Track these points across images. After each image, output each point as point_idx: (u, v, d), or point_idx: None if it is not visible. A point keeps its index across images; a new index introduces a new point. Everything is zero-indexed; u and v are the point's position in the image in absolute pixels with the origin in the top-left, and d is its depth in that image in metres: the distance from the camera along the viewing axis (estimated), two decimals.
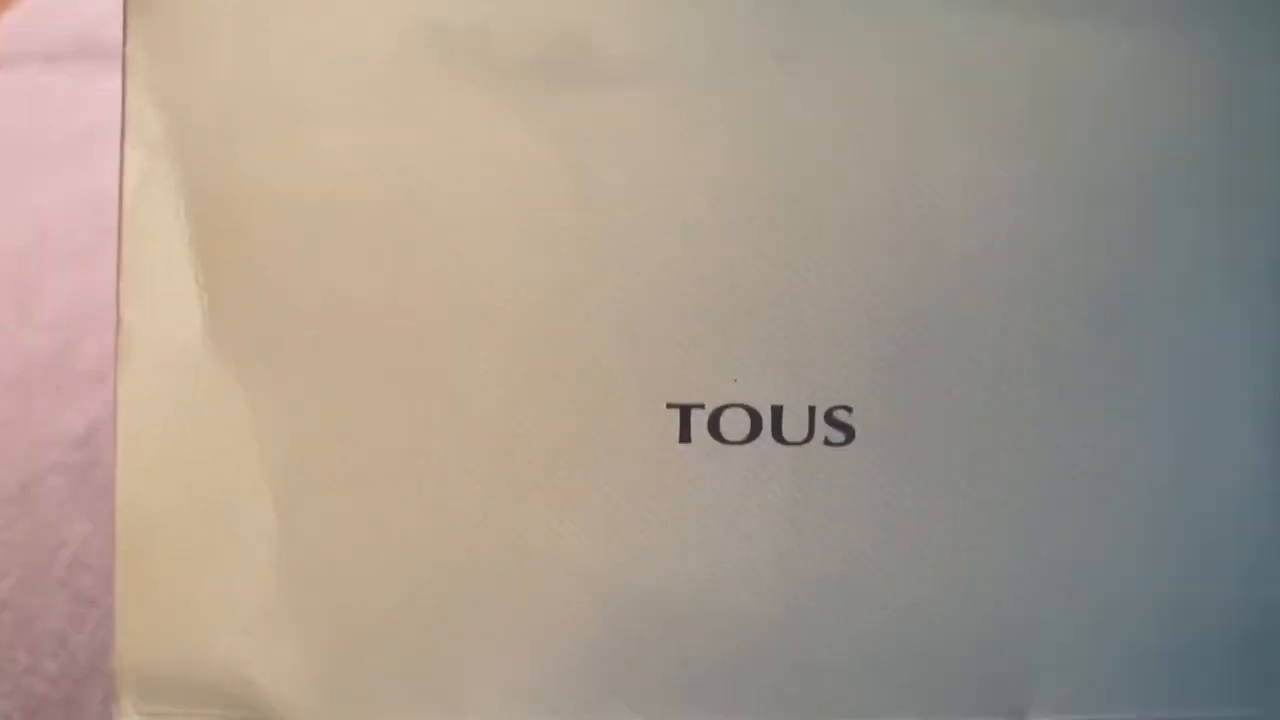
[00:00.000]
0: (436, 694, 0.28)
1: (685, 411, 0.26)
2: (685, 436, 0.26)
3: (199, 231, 0.28)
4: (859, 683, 0.28)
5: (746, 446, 0.26)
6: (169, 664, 0.29)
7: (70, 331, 0.56)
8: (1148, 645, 0.28)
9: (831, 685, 0.28)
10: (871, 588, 0.27)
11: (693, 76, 0.26)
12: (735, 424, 0.26)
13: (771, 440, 0.26)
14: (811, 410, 0.25)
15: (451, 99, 0.27)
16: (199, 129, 0.27)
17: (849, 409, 0.26)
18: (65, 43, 0.61)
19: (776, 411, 0.25)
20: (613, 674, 0.28)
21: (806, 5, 0.25)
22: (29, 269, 0.60)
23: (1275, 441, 0.27)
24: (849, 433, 0.26)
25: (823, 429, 0.25)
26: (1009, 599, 0.28)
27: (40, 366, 0.54)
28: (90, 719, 0.41)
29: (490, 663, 0.28)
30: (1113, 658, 0.28)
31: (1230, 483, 0.27)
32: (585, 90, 0.26)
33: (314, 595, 0.28)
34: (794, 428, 0.25)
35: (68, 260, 0.61)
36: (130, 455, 0.28)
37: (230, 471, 0.28)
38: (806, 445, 0.26)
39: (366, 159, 0.27)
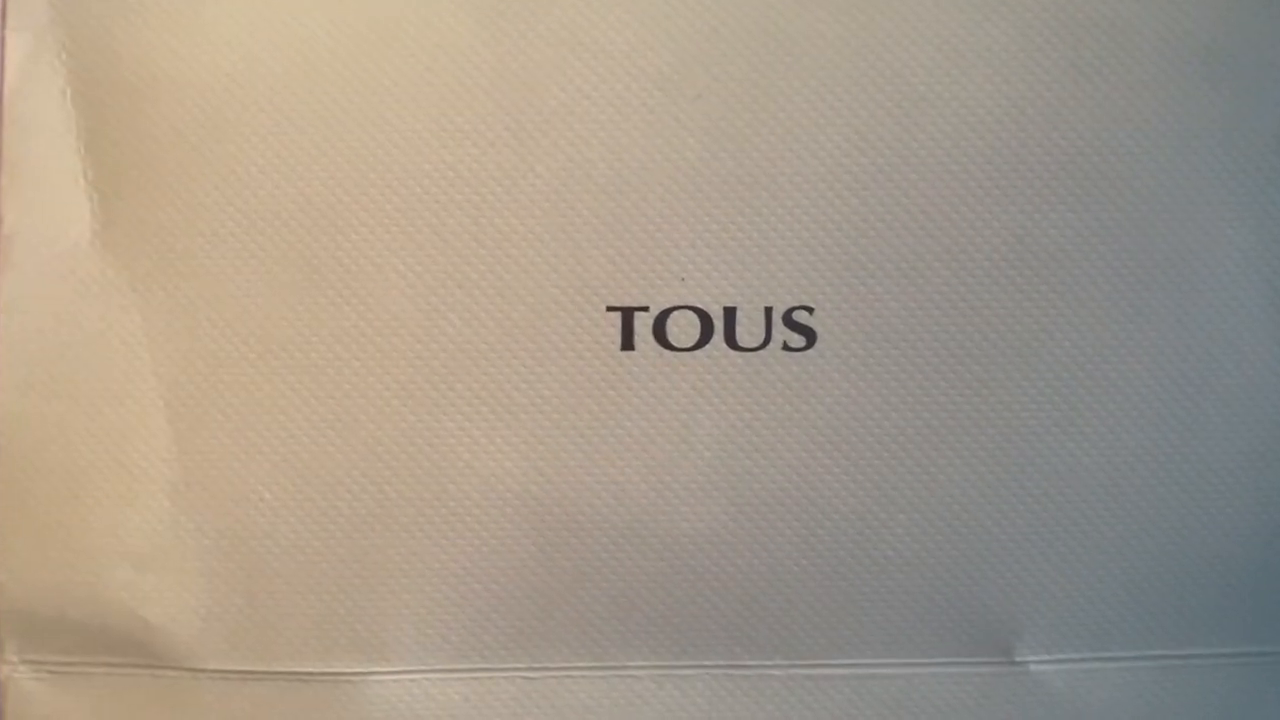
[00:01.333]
0: (351, 635, 0.25)
1: (628, 315, 0.23)
2: (628, 343, 0.23)
3: (87, 122, 0.25)
4: (823, 619, 0.25)
5: (696, 353, 0.23)
6: (55, 604, 0.26)
7: None
8: (1145, 577, 0.25)
9: (792, 621, 0.25)
10: (835, 511, 0.24)
11: None
12: (683, 328, 0.23)
13: (724, 346, 0.23)
14: (768, 312, 0.23)
15: None
16: (86, 8, 0.24)
17: (809, 310, 0.23)
18: None
19: (729, 314, 0.23)
20: (545, 610, 0.25)
21: None
22: None
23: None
24: (810, 336, 0.23)
25: (781, 333, 0.23)
26: (988, 524, 0.25)
27: None
28: None
29: (411, 598, 0.25)
30: (1107, 590, 0.25)
31: (1237, 387, 0.24)
32: None
33: (215, 524, 0.25)
34: (749, 332, 0.23)
35: None
36: (10, 368, 0.25)
37: (121, 386, 0.25)
38: (762, 351, 0.23)
39: (270, 35, 0.24)
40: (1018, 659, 0.25)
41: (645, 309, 0.23)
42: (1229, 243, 0.24)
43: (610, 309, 0.23)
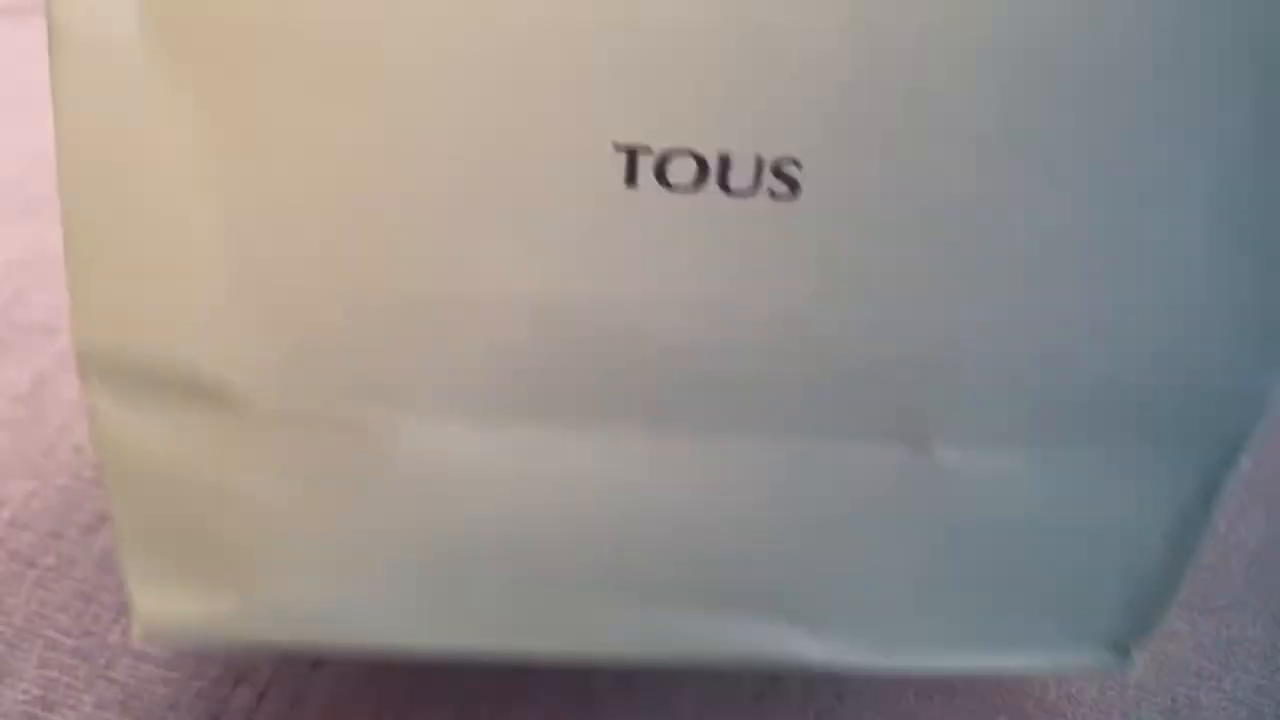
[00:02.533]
0: (378, 388, 0.28)
1: (632, 155, 0.25)
2: (632, 179, 0.25)
3: None
4: (776, 400, 0.29)
5: (692, 195, 0.25)
6: (129, 358, 0.28)
7: (18, 283, 0.55)
8: (1058, 391, 0.29)
9: (749, 401, 0.29)
10: (799, 323, 0.28)
11: None
12: (682, 170, 0.25)
13: (717, 190, 0.25)
14: (759, 161, 0.25)
15: None
16: None
17: (797, 163, 0.25)
18: None
19: (724, 160, 0.24)
20: (542, 382, 0.29)
21: None
22: None
23: (1215, 238, 0.27)
24: (794, 186, 0.25)
25: (769, 180, 0.25)
26: (931, 342, 0.28)
27: None
28: (26, 684, 0.40)
29: (429, 364, 0.28)
30: (1024, 398, 0.29)
31: (1162, 268, 0.28)
32: None
33: (264, 296, 0.27)
34: (740, 177, 0.25)
35: (17, 213, 0.59)
36: (70, 162, 0.26)
37: (175, 173, 0.26)
38: (751, 198, 0.25)
39: None
40: (932, 448, 0.30)
41: (649, 150, 0.25)
42: (1184, 152, 0.26)
43: (617, 148, 0.25)
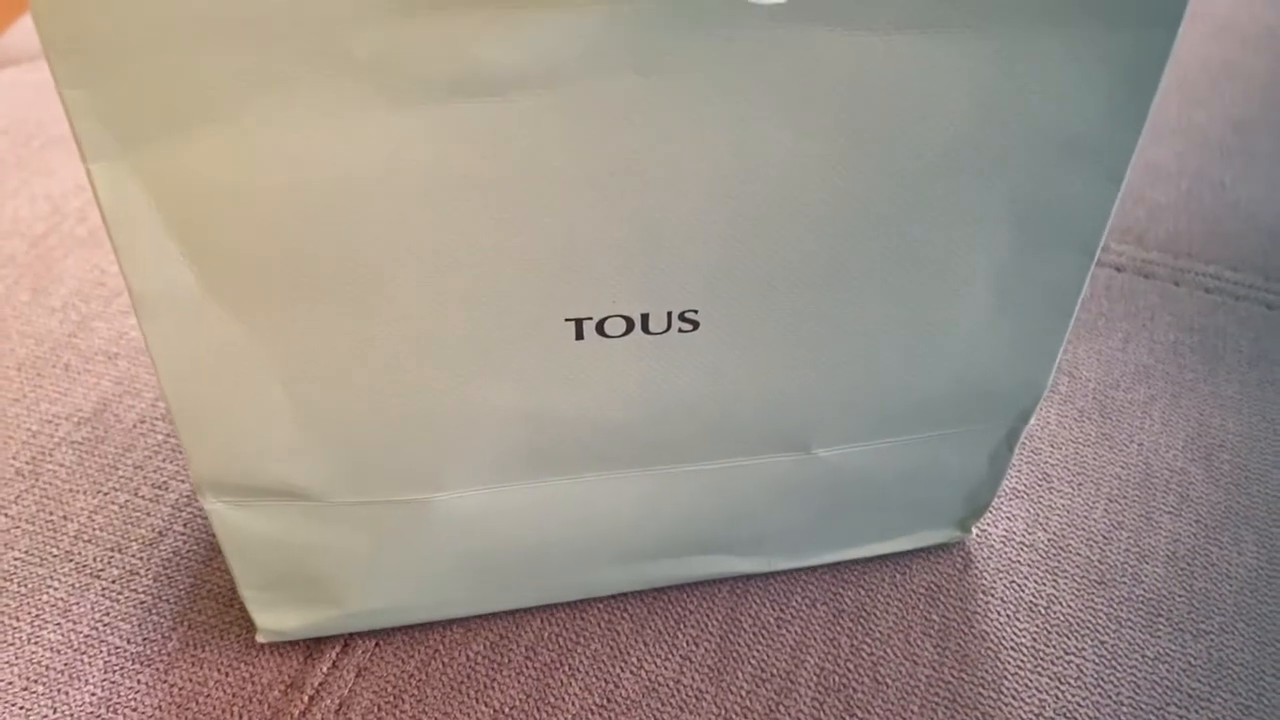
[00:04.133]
0: (414, 480, 0.39)
1: (579, 322, 0.35)
2: (580, 336, 0.35)
3: (171, 220, 0.31)
4: (698, 446, 0.41)
5: (624, 339, 0.36)
6: (232, 482, 0.38)
7: (81, 313, 0.58)
8: (896, 408, 0.41)
9: (679, 449, 0.40)
10: (704, 405, 0.39)
11: (563, 87, 0.30)
12: (615, 326, 0.35)
13: (642, 334, 0.35)
14: (669, 314, 0.35)
15: (364, 116, 0.29)
16: (141, 136, 0.29)
17: (695, 310, 0.35)
18: None
19: (644, 317, 0.35)
20: (532, 456, 0.39)
21: (661, 26, 0.29)
22: (45, 253, 0.62)
23: (990, 310, 0.38)
24: (695, 324, 0.36)
25: (677, 324, 0.36)
26: (800, 400, 0.40)
27: (52, 346, 0.56)
28: (92, 688, 0.43)
29: (449, 460, 0.39)
30: (872, 416, 0.41)
31: (958, 330, 0.39)
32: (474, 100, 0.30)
33: (324, 434, 0.37)
34: (657, 324, 0.35)
35: (81, 243, 0.62)
36: (167, 375, 0.34)
37: (246, 368, 0.34)
38: (666, 335, 0.36)
39: (301, 153, 0.30)
40: (813, 451, 0.42)
41: (590, 317, 0.35)
42: (966, 258, 0.36)
43: (567, 320, 0.35)
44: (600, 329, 0.35)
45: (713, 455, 0.41)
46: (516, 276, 0.33)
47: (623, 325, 0.35)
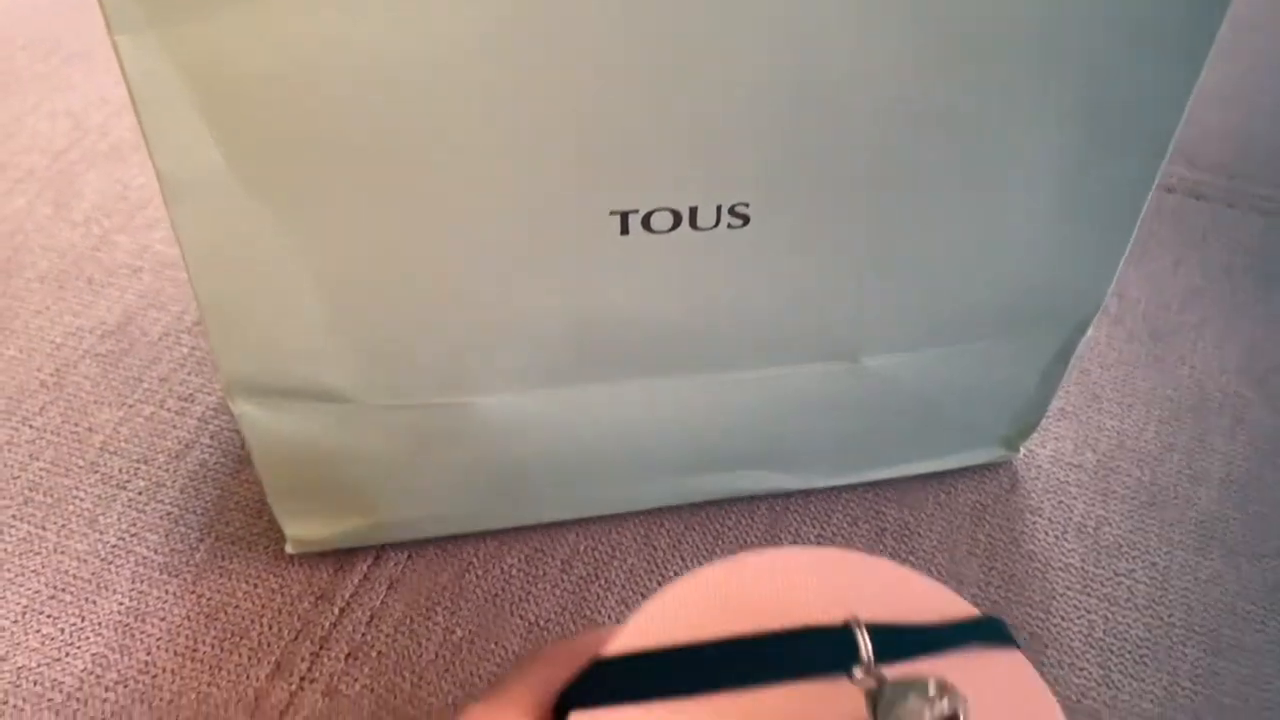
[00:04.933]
0: (452, 383, 0.37)
1: (624, 215, 0.32)
2: (625, 230, 0.32)
3: (199, 98, 0.29)
4: (746, 353, 0.38)
5: (670, 235, 0.33)
6: (261, 381, 0.36)
7: (104, 227, 0.57)
8: (949, 315, 0.39)
9: (726, 355, 0.38)
10: (754, 307, 0.37)
11: None
12: (662, 220, 0.32)
13: (689, 229, 0.32)
14: (719, 207, 0.32)
15: None
16: (168, 8, 0.27)
17: (746, 204, 0.32)
18: None
19: (692, 210, 0.32)
20: (573, 360, 0.37)
21: None
22: (67, 168, 0.60)
23: (1053, 212, 0.36)
24: (745, 219, 0.33)
25: (726, 219, 0.32)
26: (852, 299, 0.37)
27: (74, 260, 0.55)
28: (120, 598, 0.42)
29: (489, 363, 0.37)
30: (923, 323, 0.39)
31: (1018, 233, 0.37)
32: None
33: (354, 334, 0.35)
34: (705, 219, 0.32)
35: (103, 158, 0.61)
36: (196, 266, 0.33)
37: (278, 260, 0.33)
38: (714, 230, 0.33)
39: (335, 30, 0.28)
40: (860, 360, 0.40)
41: (636, 211, 0.32)
42: (1029, 157, 0.34)
43: (612, 212, 0.32)
44: (646, 223, 0.33)
45: (758, 362, 0.39)
46: (559, 165, 0.31)
47: (670, 219, 0.33)
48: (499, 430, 0.39)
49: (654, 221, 0.33)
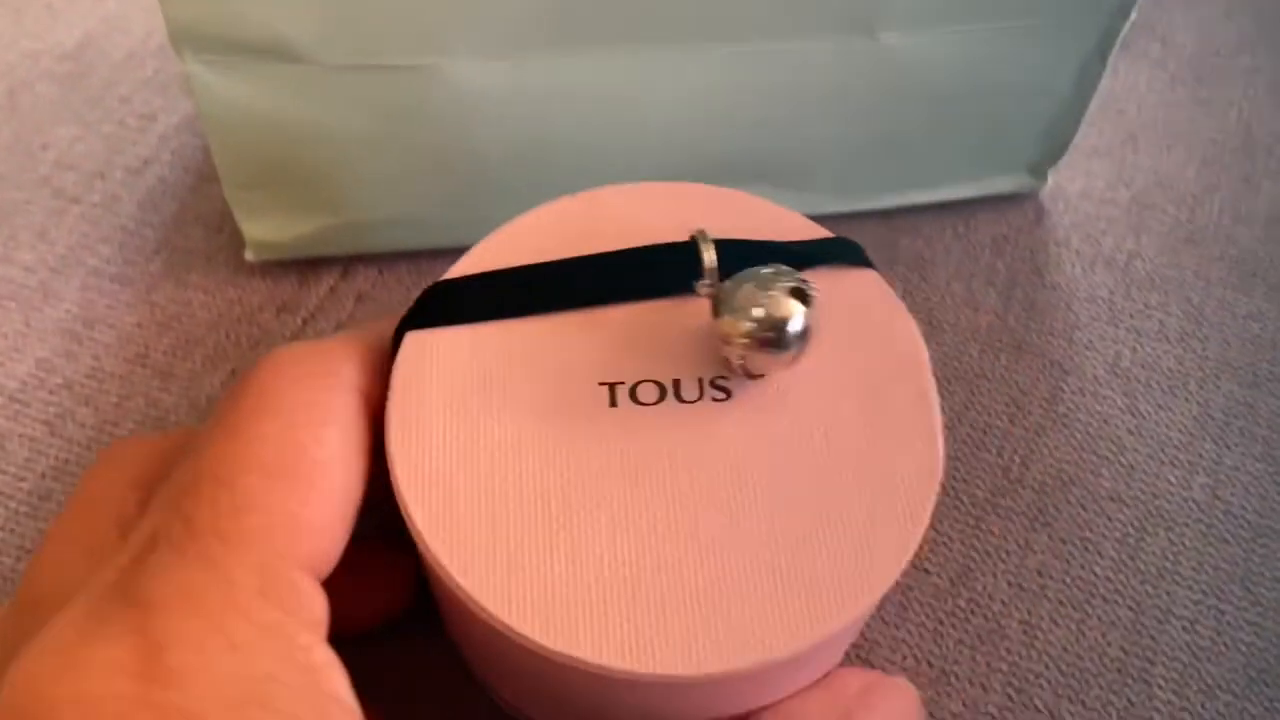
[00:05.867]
0: (419, 39, 0.33)
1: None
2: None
3: None
4: (749, 14, 0.34)
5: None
6: (211, 30, 0.33)
7: None
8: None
9: (726, 16, 0.34)
10: None
11: None
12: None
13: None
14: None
15: None
16: None
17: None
18: None
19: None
20: (554, 16, 0.33)
21: None
22: None
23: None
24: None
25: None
26: None
27: None
28: (68, 305, 0.39)
29: (460, 14, 0.33)
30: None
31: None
32: None
33: None
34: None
35: None
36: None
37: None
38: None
39: None
40: (877, 35, 0.35)
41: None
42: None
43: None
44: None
45: (765, 30, 0.35)
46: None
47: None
48: (469, 107, 0.35)
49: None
